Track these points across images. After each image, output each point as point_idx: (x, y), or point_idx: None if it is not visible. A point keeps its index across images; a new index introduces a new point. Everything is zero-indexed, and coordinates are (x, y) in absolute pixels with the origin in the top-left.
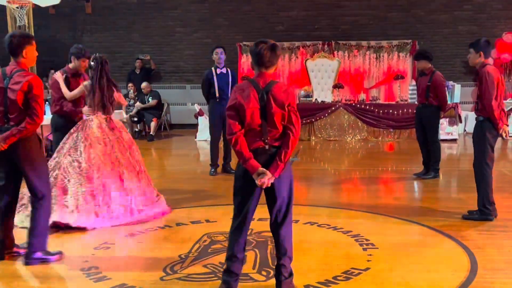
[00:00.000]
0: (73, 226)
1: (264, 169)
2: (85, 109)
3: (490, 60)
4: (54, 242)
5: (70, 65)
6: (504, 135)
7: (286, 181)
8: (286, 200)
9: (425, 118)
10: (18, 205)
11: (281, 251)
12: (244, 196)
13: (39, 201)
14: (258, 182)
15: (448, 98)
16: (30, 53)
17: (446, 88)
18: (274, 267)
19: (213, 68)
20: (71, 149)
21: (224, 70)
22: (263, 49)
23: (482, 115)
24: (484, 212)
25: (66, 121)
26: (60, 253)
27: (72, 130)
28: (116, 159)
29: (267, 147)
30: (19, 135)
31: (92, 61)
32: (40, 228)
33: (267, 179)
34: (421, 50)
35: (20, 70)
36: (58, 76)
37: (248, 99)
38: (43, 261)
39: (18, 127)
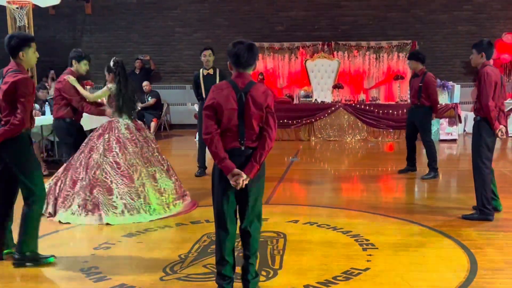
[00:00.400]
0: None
1: (239, 170)
2: (109, 111)
3: (490, 61)
4: (54, 242)
5: (73, 69)
6: (500, 134)
7: (259, 182)
8: (258, 200)
9: (417, 119)
10: (58, 202)
11: (251, 251)
12: (221, 197)
13: (30, 202)
14: (232, 182)
15: (448, 98)
16: (28, 55)
17: (438, 88)
18: (273, 267)
19: (201, 70)
20: (106, 150)
21: (211, 71)
22: (240, 49)
23: (480, 115)
24: (484, 211)
25: (72, 123)
26: (52, 256)
27: (100, 131)
28: (148, 160)
29: (243, 148)
30: (4, 135)
31: (114, 66)
32: (31, 229)
33: (241, 180)
34: (414, 51)
35: (14, 71)
36: (72, 79)
37: (227, 99)
38: (34, 262)
39: (5, 127)
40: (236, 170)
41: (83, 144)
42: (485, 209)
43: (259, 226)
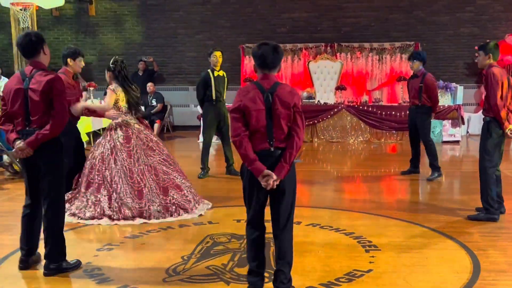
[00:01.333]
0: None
1: (269, 171)
2: (113, 112)
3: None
4: None
5: (69, 68)
6: (509, 133)
7: (291, 184)
8: (290, 203)
9: (418, 120)
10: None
11: (280, 256)
12: (252, 198)
13: (53, 205)
14: (263, 183)
15: (451, 100)
16: (47, 49)
17: (441, 90)
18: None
19: (209, 70)
20: (149, 150)
21: (221, 73)
22: (265, 51)
23: (489, 115)
24: (489, 210)
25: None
26: (78, 262)
27: (128, 135)
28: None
29: (272, 149)
30: (44, 139)
31: (112, 64)
32: (55, 236)
33: (272, 181)
34: (416, 51)
35: (41, 69)
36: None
37: (253, 101)
38: (62, 271)
39: (42, 130)
40: (266, 171)
41: (125, 151)
42: (490, 208)
43: (290, 233)
